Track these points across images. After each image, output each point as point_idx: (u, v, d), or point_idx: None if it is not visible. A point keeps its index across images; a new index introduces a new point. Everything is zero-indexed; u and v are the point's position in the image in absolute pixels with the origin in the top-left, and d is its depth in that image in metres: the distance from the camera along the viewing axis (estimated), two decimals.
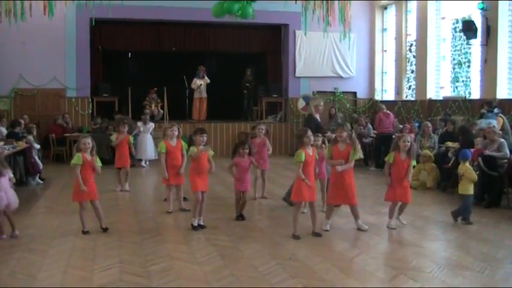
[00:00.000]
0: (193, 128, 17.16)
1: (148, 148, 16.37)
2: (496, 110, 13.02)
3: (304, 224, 8.22)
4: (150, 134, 16.69)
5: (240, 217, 9.04)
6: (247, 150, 8.99)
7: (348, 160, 8.22)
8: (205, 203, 8.47)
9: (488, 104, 13.24)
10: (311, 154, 7.90)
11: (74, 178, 8.02)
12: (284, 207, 9.96)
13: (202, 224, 8.41)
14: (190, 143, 8.73)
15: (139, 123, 16.74)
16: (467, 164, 8.79)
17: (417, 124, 15.74)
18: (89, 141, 7.97)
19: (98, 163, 8.07)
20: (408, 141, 8.39)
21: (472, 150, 10.34)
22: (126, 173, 11.93)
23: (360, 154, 8.35)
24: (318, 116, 10.10)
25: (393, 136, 14.71)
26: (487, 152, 10.45)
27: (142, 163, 16.37)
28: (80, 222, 8.12)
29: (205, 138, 8.39)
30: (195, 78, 20.07)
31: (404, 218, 8.80)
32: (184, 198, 9.97)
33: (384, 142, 14.99)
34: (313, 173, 7.95)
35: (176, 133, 9.89)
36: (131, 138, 12.31)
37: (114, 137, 12.17)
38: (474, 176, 8.72)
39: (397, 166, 8.41)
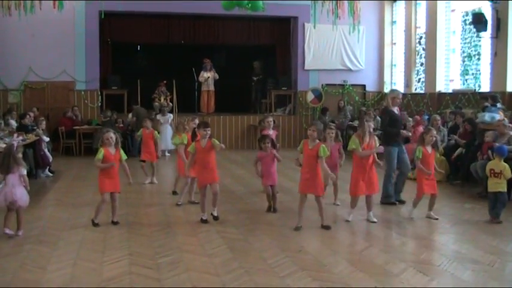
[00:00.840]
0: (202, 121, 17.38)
1: (169, 138, 16.53)
2: (499, 105, 12.96)
3: (312, 217, 8.24)
4: (170, 125, 16.88)
5: (273, 210, 9.07)
6: (269, 144, 9.02)
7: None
8: (218, 193, 8.37)
9: (493, 98, 13.16)
10: (310, 148, 7.90)
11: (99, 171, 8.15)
12: (293, 200, 9.96)
13: (215, 215, 8.33)
14: (194, 137, 8.61)
15: (159, 116, 17.22)
16: (502, 161, 8.65)
17: (427, 117, 15.65)
18: (111, 136, 8.05)
19: (123, 156, 8.16)
20: (435, 135, 8.61)
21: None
22: (153, 167, 12.14)
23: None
24: (395, 109, 9.82)
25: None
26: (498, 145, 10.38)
27: (166, 153, 16.86)
28: (91, 214, 8.17)
29: (208, 132, 8.29)
30: (202, 72, 20.10)
31: (415, 211, 8.80)
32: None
33: None
34: (313, 166, 7.88)
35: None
36: (156, 133, 12.51)
37: (140, 132, 12.40)
38: (510, 173, 8.57)
39: (425, 160, 8.56)
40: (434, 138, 8.59)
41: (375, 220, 8.41)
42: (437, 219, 8.58)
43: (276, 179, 9.13)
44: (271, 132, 10.66)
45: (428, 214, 8.69)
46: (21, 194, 7.45)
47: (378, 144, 8.58)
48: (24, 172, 7.62)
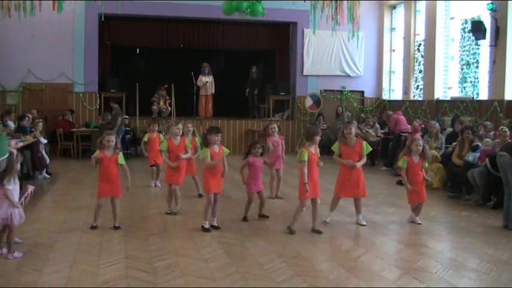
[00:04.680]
0: (201, 125, 17.36)
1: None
2: None
3: (308, 221, 8.23)
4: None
5: (263, 216, 9.02)
6: (261, 150, 9.00)
7: (359, 155, 8.52)
8: (218, 203, 8.38)
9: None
10: (313, 152, 8.00)
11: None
12: (291, 206, 9.98)
13: (216, 225, 8.26)
14: (204, 142, 8.29)
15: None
16: None
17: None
18: (112, 139, 7.97)
19: (121, 161, 8.00)
20: (421, 145, 8.63)
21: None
22: (158, 170, 12.06)
23: (369, 148, 8.69)
24: None
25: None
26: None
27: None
28: (87, 217, 8.17)
29: (219, 137, 8.24)
30: (200, 76, 20.08)
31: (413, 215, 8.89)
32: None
33: (401, 141, 14.92)
34: (316, 170, 8.02)
35: (180, 132, 9.69)
36: (162, 137, 12.34)
37: (146, 136, 12.23)
38: None
39: (411, 169, 8.65)
40: (420, 148, 8.62)
41: (365, 223, 8.61)
42: (420, 224, 8.76)
43: (261, 185, 9.07)
44: (277, 139, 10.57)
45: (414, 218, 8.88)
46: (7, 209, 6.62)
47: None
48: (9, 187, 6.63)
